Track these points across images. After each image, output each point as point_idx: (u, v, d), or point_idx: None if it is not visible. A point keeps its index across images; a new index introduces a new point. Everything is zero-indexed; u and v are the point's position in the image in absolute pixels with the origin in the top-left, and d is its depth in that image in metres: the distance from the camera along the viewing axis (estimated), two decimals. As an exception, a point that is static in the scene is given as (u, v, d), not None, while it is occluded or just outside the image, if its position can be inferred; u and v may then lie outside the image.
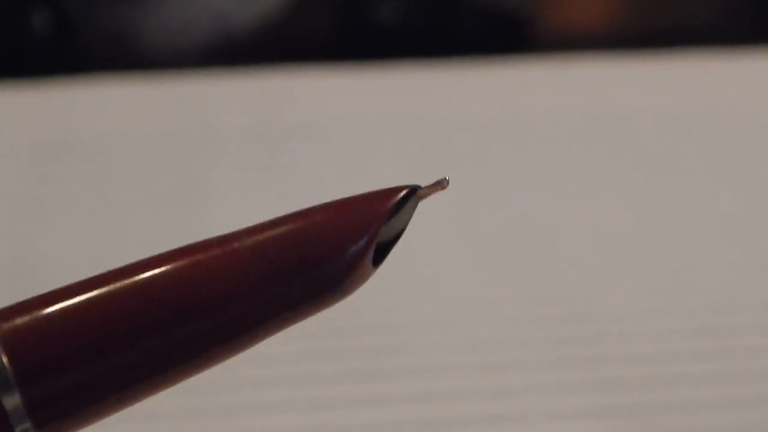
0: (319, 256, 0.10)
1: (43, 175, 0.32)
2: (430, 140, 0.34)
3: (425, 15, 0.45)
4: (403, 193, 0.10)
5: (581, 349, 0.25)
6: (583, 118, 0.35)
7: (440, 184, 0.11)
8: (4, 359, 0.09)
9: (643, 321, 0.26)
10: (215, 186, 0.31)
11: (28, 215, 0.30)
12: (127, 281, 0.10)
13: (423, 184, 0.11)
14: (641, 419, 0.23)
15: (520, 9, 0.44)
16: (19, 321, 0.10)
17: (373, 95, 0.37)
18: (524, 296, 0.27)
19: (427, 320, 0.26)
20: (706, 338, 0.25)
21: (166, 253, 0.10)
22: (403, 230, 0.11)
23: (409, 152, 0.32)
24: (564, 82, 0.37)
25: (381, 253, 0.10)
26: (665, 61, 0.38)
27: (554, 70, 0.39)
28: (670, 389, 0.24)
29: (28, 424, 0.09)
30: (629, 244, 0.29)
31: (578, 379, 0.24)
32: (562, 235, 0.29)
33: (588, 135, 0.34)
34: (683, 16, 0.46)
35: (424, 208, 0.15)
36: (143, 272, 0.10)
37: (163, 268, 0.10)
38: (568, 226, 0.29)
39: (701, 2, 0.46)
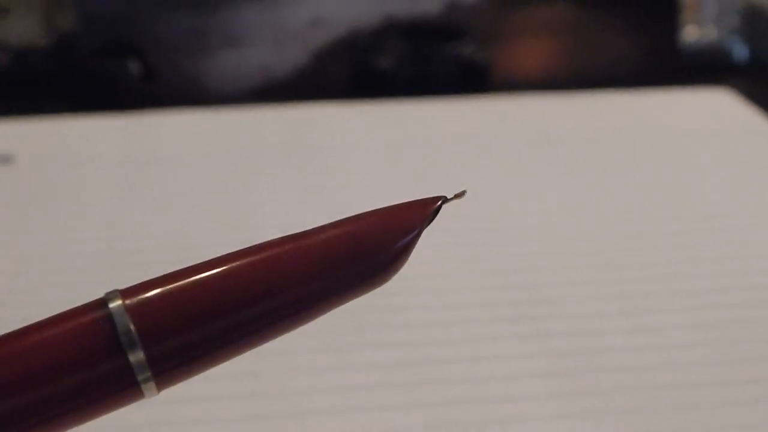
0: (374, 249, 0.12)
1: (131, 183, 0.37)
2: (417, 156, 0.40)
3: (412, 64, 0.48)
4: (440, 202, 0.12)
5: (531, 310, 0.30)
6: (530, 140, 0.42)
7: (460, 195, 0.13)
8: (132, 326, 0.11)
9: (574, 288, 0.31)
10: (261, 191, 0.37)
11: (121, 214, 0.36)
12: (222, 267, 0.12)
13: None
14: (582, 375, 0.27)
15: (481, 58, 0.48)
16: (141, 296, 0.12)
17: (376, 123, 0.43)
18: (483, 269, 0.32)
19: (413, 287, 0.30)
20: (625, 299, 0.30)
21: (253, 246, 0.12)
22: None
23: (402, 164, 0.39)
24: (514, 113, 0.44)
25: None
26: (591, 96, 0.45)
27: (507, 104, 0.45)
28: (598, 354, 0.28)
29: (148, 374, 0.12)
30: (565, 231, 0.35)
31: (529, 337, 0.29)
32: (513, 223, 0.36)
33: (533, 152, 0.41)
34: (603, 62, 0.48)
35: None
36: (235, 260, 0.12)
37: (251, 258, 0.12)
38: (517, 216, 0.36)
39: (617, 53, 0.49)
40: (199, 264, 0.12)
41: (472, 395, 0.26)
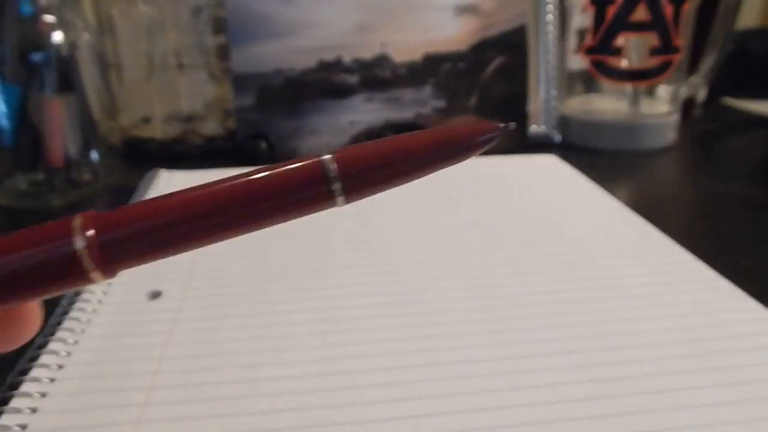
0: (468, 136, 0.16)
1: None
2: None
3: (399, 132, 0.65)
4: (502, 125, 0.16)
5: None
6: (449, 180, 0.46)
7: (509, 126, 0.16)
8: (334, 166, 0.15)
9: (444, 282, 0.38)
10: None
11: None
12: (391, 143, 0.16)
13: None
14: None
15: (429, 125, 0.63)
16: (343, 153, 0.15)
17: None
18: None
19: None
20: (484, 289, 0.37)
21: (412, 133, 0.16)
22: None
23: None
24: (452, 172, 0.48)
25: None
26: (480, 159, 0.46)
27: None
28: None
29: (343, 198, 0.15)
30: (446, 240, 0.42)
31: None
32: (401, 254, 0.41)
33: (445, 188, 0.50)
34: None
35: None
36: (400, 140, 0.16)
37: (412, 139, 0.16)
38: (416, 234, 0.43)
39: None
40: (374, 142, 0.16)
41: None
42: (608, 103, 0.69)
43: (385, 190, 0.16)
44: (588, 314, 0.32)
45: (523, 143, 0.66)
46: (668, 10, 0.63)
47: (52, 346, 0.29)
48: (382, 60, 0.64)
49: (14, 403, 0.25)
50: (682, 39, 0.65)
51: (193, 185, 0.15)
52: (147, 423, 0.24)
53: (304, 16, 0.61)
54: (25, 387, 0.26)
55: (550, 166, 0.58)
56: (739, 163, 0.65)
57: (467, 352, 0.29)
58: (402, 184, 0.16)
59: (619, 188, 0.53)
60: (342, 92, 0.63)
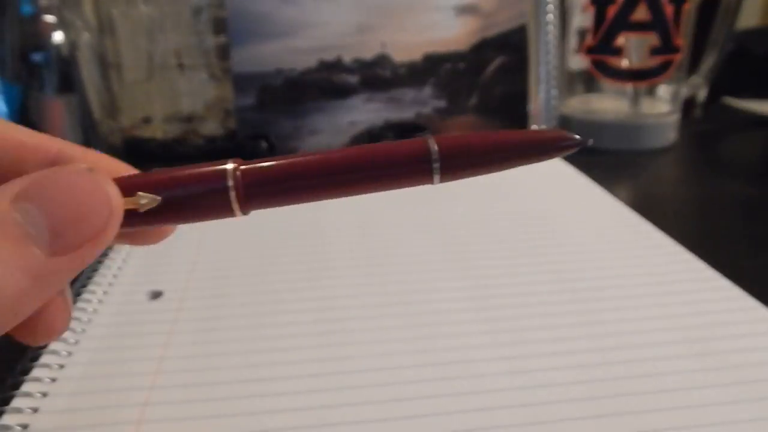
0: (556, 140, 0.18)
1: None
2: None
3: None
4: (578, 139, 0.18)
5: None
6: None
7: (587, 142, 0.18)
8: (435, 147, 0.17)
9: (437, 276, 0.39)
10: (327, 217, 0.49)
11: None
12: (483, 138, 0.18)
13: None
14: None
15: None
16: (443, 139, 0.17)
17: None
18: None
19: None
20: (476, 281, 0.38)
21: (480, 132, 0.18)
22: None
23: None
24: None
25: None
26: None
27: None
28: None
29: (438, 177, 0.17)
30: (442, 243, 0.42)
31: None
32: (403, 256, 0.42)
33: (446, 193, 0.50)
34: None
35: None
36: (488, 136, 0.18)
37: (485, 137, 0.18)
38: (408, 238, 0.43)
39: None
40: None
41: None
42: (608, 103, 0.69)
43: (476, 175, 0.18)
44: (588, 314, 0.32)
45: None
46: (668, 9, 0.63)
47: (53, 346, 0.29)
48: (382, 60, 0.64)
49: (15, 402, 0.25)
50: (683, 39, 0.65)
51: (320, 149, 0.18)
52: (148, 423, 0.24)
53: (304, 16, 0.62)
54: (27, 387, 0.26)
55: (550, 166, 0.55)
56: (740, 163, 0.66)
57: (467, 352, 0.29)
58: (491, 172, 0.18)
59: (620, 188, 0.53)
60: (342, 92, 0.63)
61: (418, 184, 0.18)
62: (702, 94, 0.77)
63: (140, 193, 0.17)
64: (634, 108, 0.68)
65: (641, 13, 0.63)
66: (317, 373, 0.27)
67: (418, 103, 0.65)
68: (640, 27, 0.63)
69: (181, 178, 0.17)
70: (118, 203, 0.16)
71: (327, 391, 0.26)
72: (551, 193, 0.51)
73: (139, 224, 0.17)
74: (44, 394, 0.26)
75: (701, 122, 0.76)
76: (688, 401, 0.26)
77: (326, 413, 0.25)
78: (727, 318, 0.32)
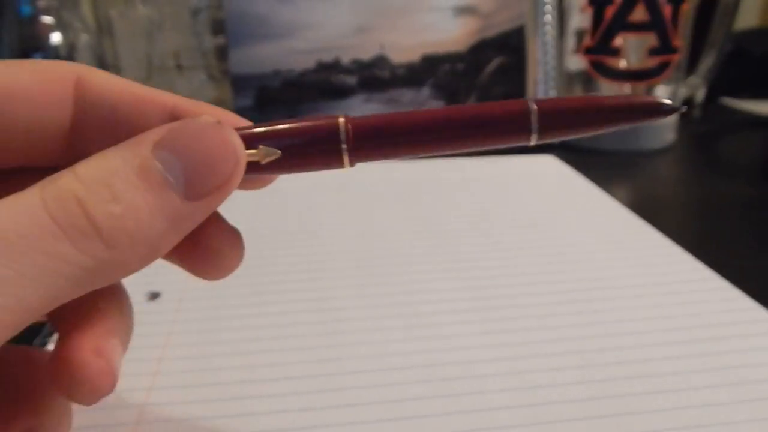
0: (645, 104, 0.19)
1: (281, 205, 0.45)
2: (394, 181, 0.50)
3: None
4: (671, 105, 0.19)
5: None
6: (449, 174, 0.53)
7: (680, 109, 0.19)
8: (535, 120, 0.18)
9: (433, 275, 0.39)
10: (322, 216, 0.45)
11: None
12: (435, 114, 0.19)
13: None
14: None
15: None
16: (354, 121, 0.18)
17: (381, 173, 0.54)
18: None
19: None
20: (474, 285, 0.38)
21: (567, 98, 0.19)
22: None
23: (391, 186, 0.50)
24: (441, 166, 0.56)
25: None
26: (482, 159, 0.57)
27: (438, 162, 0.57)
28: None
29: (536, 136, 0.18)
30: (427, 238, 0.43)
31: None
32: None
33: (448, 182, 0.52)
34: None
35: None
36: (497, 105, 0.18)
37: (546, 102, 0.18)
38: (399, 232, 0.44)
39: None
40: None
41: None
42: (607, 104, 0.68)
43: (571, 136, 0.19)
44: (587, 315, 0.32)
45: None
46: (667, 10, 0.63)
47: (52, 347, 0.29)
48: (380, 61, 0.64)
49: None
50: (681, 39, 0.66)
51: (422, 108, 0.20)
52: (146, 424, 0.24)
53: (302, 17, 0.62)
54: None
55: (548, 166, 0.58)
56: (738, 163, 0.66)
57: (466, 353, 0.29)
58: (586, 134, 0.19)
59: (618, 189, 0.53)
60: (341, 93, 0.64)
61: (516, 143, 0.19)
62: (700, 95, 0.77)
63: (262, 147, 0.18)
64: (633, 108, 0.67)
65: (639, 14, 0.63)
66: (317, 374, 0.27)
67: (416, 103, 0.65)
68: (639, 27, 0.64)
69: (297, 130, 0.18)
70: (243, 154, 0.17)
71: (326, 392, 0.26)
72: (550, 194, 0.51)
73: (255, 173, 0.18)
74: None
75: (700, 123, 0.77)
76: (688, 402, 0.26)
77: (326, 414, 0.25)
78: (726, 319, 0.32)
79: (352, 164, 0.19)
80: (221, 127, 0.17)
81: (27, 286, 0.14)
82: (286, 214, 0.46)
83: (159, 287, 0.35)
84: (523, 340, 0.30)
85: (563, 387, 0.26)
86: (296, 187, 0.51)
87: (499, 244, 0.40)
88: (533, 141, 0.19)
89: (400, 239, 0.41)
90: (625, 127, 0.19)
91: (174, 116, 0.19)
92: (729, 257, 0.39)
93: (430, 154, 0.19)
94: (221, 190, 0.17)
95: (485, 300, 0.34)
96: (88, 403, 0.18)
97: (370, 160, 0.19)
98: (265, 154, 0.18)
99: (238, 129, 0.18)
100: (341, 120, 0.18)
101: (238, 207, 0.23)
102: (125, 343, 0.20)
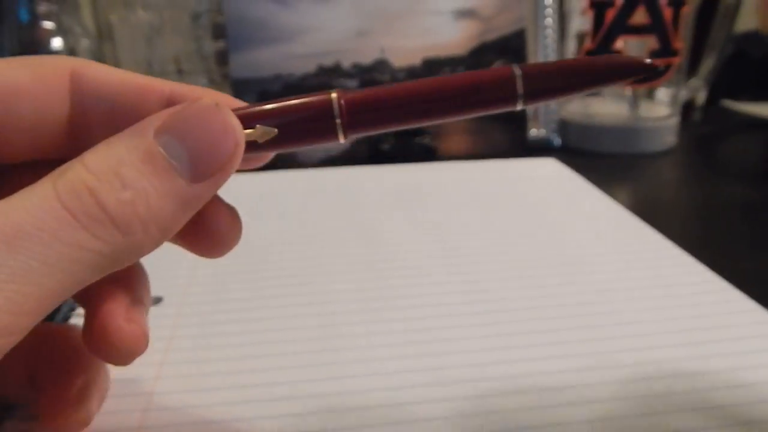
0: (625, 63, 0.19)
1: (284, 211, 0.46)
2: (404, 193, 0.51)
3: (400, 147, 0.61)
4: (650, 62, 0.19)
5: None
6: (455, 182, 0.53)
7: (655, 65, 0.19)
8: (520, 85, 0.19)
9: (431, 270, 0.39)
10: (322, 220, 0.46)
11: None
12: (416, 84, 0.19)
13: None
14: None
15: (432, 144, 0.62)
16: (348, 95, 0.19)
17: (381, 176, 0.55)
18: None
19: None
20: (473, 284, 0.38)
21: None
22: None
23: (399, 198, 0.50)
24: (447, 171, 0.57)
25: None
26: (486, 162, 0.58)
27: (443, 167, 0.58)
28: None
29: (522, 102, 0.19)
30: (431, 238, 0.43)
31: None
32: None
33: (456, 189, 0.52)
34: (493, 145, 0.62)
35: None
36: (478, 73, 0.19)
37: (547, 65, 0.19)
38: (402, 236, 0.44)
39: (499, 141, 0.63)
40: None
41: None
42: (608, 107, 0.69)
43: (556, 98, 0.20)
44: (587, 316, 0.32)
45: (522, 147, 0.67)
46: (667, 12, 0.63)
47: (74, 321, 0.30)
48: (381, 65, 0.64)
49: (16, 409, 0.25)
50: (682, 42, 0.66)
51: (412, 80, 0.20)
52: (148, 429, 0.24)
53: (302, 21, 0.62)
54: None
55: (549, 169, 0.58)
56: (739, 166, 0.66)
57: (466, 356, 0.29)
58: (572, 95, 0.20)
59: (619, 191, 0.53)
60: (341, 97, 0.63)
61: (504, 108, 0.19)
62: (701, 97, 0.77)
63: (259, 126, 0.19)
64: (634, 111, 0.68)
65: (640, 17, 0.63)
66: (317, 378, 0.27)
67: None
68: (639, 30, 0.64)
69: (291, 107, 0.19)
70: (242, 134, 0.18)
71: (327, 396, 0.26)
72: (551, 196, 0.51)
73: (253, 152, 0.19)
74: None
75: (701, 125, 0.77)
76: (688, 402, 0.26)
77: (326, 417, 0.25)
78: (727, 320, 0.31)
79: (346, 138, 0.19)
80: (219, 109, 0.18)
81: (49, 274, 0.15)
82: (287, 219, 0.46)
83: (160, 291, 0.35)
84: (523, 343, 0.30)
85: (564, 389, 0.27)
86: (297, 191, 0.51)
87: (501, 247, 0.40)
88: (519, 106, 0.19)
89: (401, 242, 0.41)
90: (610, 86, 0.20)
91: (171, 102, 0.19)
92: (730, 259, 0.39)
93: (421, 124, 0.20)
94: (223, 170, 0.18)
95: (485, 304, 0.34)
96: (125, 364, 0.20)
97: (364, 133, 0.20)
98: (263, 132, 0.19)
99: (234, 110, 0.19)
100: (334, 95, 0.19)
101: (240, 211, 0.23)
102: (148, 308, 0.22)
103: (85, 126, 0.20)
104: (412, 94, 0.19)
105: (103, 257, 0.16)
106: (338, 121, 0.19)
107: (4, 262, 0.15)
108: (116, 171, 0.16)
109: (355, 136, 0.20)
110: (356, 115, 0.19)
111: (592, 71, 0.19)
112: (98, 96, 0.19)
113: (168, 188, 0.17)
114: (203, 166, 0.17)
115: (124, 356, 0.20)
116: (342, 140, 0.19)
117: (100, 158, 0.17)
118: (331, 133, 0.19)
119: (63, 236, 0.15)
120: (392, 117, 0.19)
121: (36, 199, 0.16)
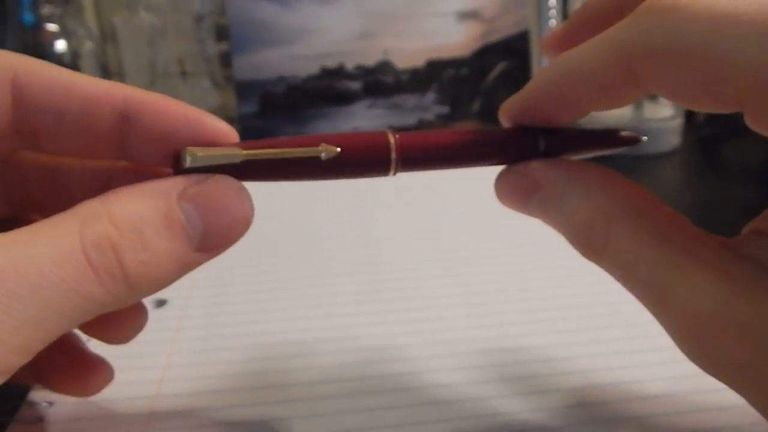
0: (617, 139, 0.22)
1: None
2: (395, 190, 0.50)
3: None
4: (629, 135, 0.22)
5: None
6: (449, 183, 0.51)
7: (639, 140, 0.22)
8: (394, 142, 0.20)
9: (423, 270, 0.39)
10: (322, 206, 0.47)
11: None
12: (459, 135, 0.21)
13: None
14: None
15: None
16: (401, 135, 0.20)
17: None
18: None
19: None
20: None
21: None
22: None
23: (398, 196, 0.50)
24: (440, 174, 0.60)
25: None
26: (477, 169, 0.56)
27: (449, 170, 0.54)
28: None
29: (397, 164, 0.20)
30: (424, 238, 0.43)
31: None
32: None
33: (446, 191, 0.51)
34: None
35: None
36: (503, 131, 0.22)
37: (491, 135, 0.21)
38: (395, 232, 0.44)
39: None
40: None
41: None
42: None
43: (581, 155, 0.22)
44: (589, 318, 0.32)
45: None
46: (670, 14, 0.62)
47: None
48: (384, 66, 0.64)
49: (21, 413, 0.25)
50: (685, 43, 0.65)
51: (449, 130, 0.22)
52: (152, 431, 0.24)
53: (306, 23, 0.62)
54: (32, 396, 0.26)
55: None
56: (743, 167, 0.65)
57: (466, 358, 0.29)
58: (585, 156, 0.22)
59: (623, 193, 0.53)
60: (345, 99, 0.64)
61: (378, 175, 0.21)
62: (705, 99, 0.76)
63: (323, 144, 0.19)
64: (637, 113, 0.68)
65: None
66: (319, 380, 0.27)
67: (420, 109, 0.66)
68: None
69: (352, 138, 0.20)
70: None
71: (332, 399, 0.26)
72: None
73: (315, 169, 0.20)
74: (50, 403, 0.26)
75: (704, 126, 0.76)
76: (690, 404, 0.26)
77: (327, 419, 0.25)
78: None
79: (395, 173, 0.20)
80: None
81: (59, 322, 0.16)
82: (289, 221, 0.46)
83: (165, 294, 0.35)
84: (523, 345, 0.30)
85: (565, 390, 0.26)
86: (298, 195, 0.51)
87: (502, 248, 0.40)
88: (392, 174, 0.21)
89: (400, 245, 0.41)
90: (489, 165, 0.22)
91: (125, 113, 0.19)
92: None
93: (463, 167, 0.22)
94: (227, 246, 0.19)
95: (485, 305, 0.33)
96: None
97: (413, 171, 0.21)
98: (327, 150, 0.19)
99: (305, 138, 0.20)
100: (390, 133, 0.20)
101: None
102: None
103: (30, 134, 0.19)
104: (456, 143, 0.21)
105: (102, 306, 0.17)
106: (394, 156, 0.20)
107: (25, 309, 0.15)
108: (139, 229, 0.17)
109: (402, 173, 0.21)
110: (408, 153, 0.20)
111: (472, 148, 0.21)
112: (41, 108, 0.19)
113: (177, 253, 0.18)
114: (213, 240, 0.18)
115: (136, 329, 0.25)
116: (391, 175, 0.21)
117: (127, 212, 0.17)
118: (384, 168, 0.20)
119: (81, 289, 0.16)
120: (436, 160, 0.21)
121: (62, 248, 0.16)
